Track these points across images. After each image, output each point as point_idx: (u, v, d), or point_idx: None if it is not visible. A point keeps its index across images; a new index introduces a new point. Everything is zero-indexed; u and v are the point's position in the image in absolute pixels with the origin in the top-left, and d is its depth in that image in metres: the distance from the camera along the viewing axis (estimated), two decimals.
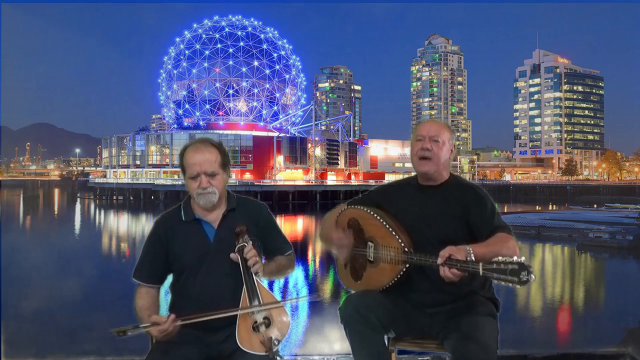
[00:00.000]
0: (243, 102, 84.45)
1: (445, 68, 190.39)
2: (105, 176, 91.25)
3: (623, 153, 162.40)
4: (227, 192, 2.15)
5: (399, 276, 2.09)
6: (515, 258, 1.73)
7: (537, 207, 57.17)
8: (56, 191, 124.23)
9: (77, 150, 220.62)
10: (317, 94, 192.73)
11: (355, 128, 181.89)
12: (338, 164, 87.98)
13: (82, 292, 16.43)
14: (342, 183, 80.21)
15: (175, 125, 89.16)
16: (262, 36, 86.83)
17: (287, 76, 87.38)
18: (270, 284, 2.24)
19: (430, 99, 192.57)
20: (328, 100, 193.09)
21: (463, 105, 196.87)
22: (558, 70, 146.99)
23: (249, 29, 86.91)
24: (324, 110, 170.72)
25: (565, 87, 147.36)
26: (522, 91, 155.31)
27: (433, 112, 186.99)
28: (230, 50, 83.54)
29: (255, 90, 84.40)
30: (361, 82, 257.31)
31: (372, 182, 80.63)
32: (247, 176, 76.16)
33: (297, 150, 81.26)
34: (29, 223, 47.90)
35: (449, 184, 2.21)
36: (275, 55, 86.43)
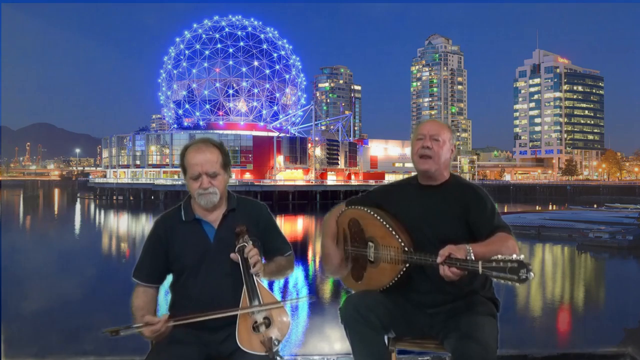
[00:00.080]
0: (243, 102, 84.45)
1: (445, 68, 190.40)
2: (105, 176, 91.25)
3: (623, 153, 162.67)
4: (228, 192, 2.15)
5: (399, 276, 2.09)
6: (514, 256, 1.73)
7: (537, 207, 57.18)
8: (56, 191, 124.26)
9: (77, 150, 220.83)
10: (317, 94, 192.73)
11: (355, 128, 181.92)
12: (338, 164, 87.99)
13: (82, 292, 16.44)
14: (342, 183, 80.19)
15: (175, 125, 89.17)
16: (262, 36, 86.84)
17: (287, 76, 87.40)
18: (270, 284, 2.24)
19: (430, 99, 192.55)
20: (328, 100, 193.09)
21: (463, 105, 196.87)
22: (558, 70, 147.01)
23: (249, 29, 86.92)
24: (324, 110, 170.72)
25: (565, 87, 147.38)
26: (522, 91, 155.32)
27: (433, 112, 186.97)
28: (230, 50, 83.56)
29: (255, 90, 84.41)
30: (361, 82, 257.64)
31: (372, 182, 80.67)
32: (247, 176, 76.16)
33: (297, 150, 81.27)
34: (29, 223, 47.90)
35: (449, 183, 2.21)
36: (275, 55, 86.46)
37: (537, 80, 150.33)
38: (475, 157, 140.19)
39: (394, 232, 2.11)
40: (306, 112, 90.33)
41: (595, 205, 51.80)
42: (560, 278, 21.13)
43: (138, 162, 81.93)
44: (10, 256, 22.44)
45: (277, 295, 1.97)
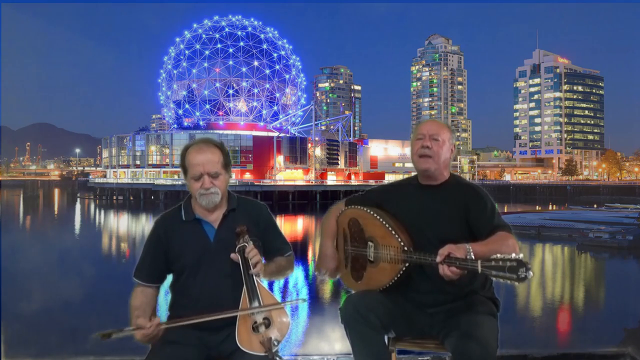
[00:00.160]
0: (243, 102, 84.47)
1: (445, 68, 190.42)
2: (105, 176, 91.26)
3: (623, 153, 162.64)
4: (228, 193, 2.15)
5: (398, 275, 2.09)
6: (513, 255, 1.73)
7: (537, 207, 57.18)
8: (56, 191, 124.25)
9: (77, 150, 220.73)
10: (317, 94, 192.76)
11: (355, 128, 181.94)
12: (338, 164, 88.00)
13: (82, 292, 16.42)
14: (342, 183, 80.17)
15: (175, 125, 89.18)
16: (262, 36, 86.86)
17: (287, 76, 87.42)
18: (270, 284, 2.24)
19: (430, 99, 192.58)
20: (328, 100, 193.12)
21: (463, 105, 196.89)
22: (558, 70, 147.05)
23: (249, 29, 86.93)
24: (324, 110, 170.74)
25: (565, 87, 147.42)
26: (522, 91, 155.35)
27: (433, 112, 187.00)
28: (230, 50, 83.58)
29: (255, 90, 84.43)
30: (361, 82, 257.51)
31: (372, 182, 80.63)
32: (247, 176, 76.17)
33: (297, 150, 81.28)
34: (29, 223, 47.90)
35: (449, 183, 2.21)
36: (275, 55, 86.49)
37: (537, 80, 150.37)
38: (475, 157, 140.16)
39: (393, 232, 2.11)
40: (306, 112, 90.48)
41: (595, 205, 51.79)
42: (560, 278, 21.13)
43: (138, 162, 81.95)
44: (10, 256, 22.44)
45: (277, 296, 1.97)
